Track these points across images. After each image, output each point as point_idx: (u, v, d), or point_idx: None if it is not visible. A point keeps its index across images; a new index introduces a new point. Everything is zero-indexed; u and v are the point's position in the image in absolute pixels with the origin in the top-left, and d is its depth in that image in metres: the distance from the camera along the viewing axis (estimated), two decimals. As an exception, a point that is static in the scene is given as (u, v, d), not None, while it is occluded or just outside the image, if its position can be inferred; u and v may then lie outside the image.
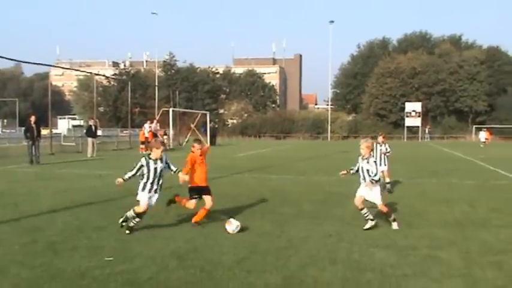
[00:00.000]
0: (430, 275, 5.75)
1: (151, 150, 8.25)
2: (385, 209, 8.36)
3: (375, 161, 8.40)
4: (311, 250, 6.88)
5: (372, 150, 8.67)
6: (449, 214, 9.85)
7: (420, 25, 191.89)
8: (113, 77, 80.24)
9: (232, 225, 7.88)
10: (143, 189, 8.00)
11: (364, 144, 8.40)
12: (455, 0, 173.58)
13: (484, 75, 76.45)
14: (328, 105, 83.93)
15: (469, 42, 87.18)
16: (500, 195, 12.63)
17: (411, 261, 6.32)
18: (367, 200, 8.37)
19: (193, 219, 8.44)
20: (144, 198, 7.93)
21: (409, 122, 74.75)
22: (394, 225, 8.30)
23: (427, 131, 73.68)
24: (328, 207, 10.56)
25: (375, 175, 8.22)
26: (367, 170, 8.29)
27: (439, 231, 8.19)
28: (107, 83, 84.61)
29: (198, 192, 8.62)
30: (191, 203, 8.61)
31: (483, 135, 50.52)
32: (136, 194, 8.08)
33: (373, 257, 6.51)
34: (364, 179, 8.35)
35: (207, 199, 8.52)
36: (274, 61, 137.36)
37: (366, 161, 8.36)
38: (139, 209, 7.89)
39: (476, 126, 70.21)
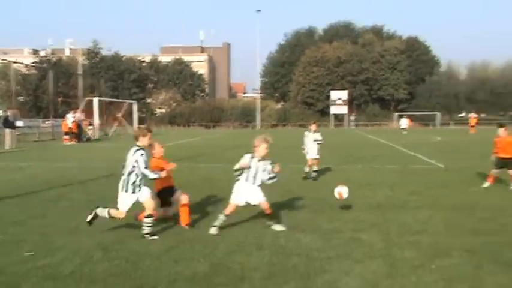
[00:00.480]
0: (353, 257, 5.95)
1: (136, 140, 7.07)
2: (269, 210, 7.39)
3: (270, 164, 7.39)
4: (238, 237, 6.93)
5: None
6: (372, 198, 10.22)
7: (344, 15, 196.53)
8: (32, 64, 76.59)
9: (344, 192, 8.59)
10: (133, 190, 6.89)
11: (264, 143, 7.28)
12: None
13: (404, 64, 79.81)
14: (257, 94, 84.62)
15: (390, 32, 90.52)
16: (419, 178, 13.24)
17: (335, 244, 6.52)
18: (252, 204, 7.40)
19: (183, 224, 7.51)
20: (129, 202, 6.92)
21: (335, 110, 76.75)
22: (278, 227, 7.33)
23: (352, 119, 76.06)
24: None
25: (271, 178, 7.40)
26: (257, 172, 7.28)
27: (362, 214, 8.48)
28: (27, 71, 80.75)
29: (168, 194, 7.68)
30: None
31: (404, 122, 52.75)
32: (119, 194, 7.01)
33: (299, 242, 6.65)
34: (248, 178, 7.29)
35: (180, 196, 7.69)
36: (203, 49, 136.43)
37: (261, 162, 7.30)
38: (118, 214, 7.04)
39: (398, 113, 73.22)
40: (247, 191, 7.31)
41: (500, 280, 5.12)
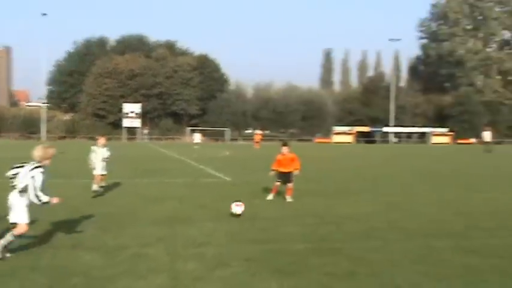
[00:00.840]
0: (137, 273, 5.87)
1: None
2: (22, 232, 6.51)
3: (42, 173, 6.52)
4: (11, 260, 6.29)
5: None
6: (160, 212, 10.24)
7: (137, 28, 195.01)
8: None
9: (238, 208, 9.52)
10: None
11: (50, 151, 6.78)
12: (170, 8, 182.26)
13: (196, 80, 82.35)
14: (42, 103, 78.90)
15: (183, 48, 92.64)
16: (207, 192, 13.70)
17: (119, 261, 6.35)
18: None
19: None
20: None
21: (128, 123, 75.61)
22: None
23: (146, 132, 75.81)
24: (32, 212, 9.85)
25: (40, 199, 6.41)
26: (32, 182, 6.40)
27: (149, 228, 8.44)
28: None
29: None
30: None
31: (197, 136, 54.38)
32: None
33: (79, 260, 6.32)
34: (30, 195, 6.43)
35: None
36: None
37: (40, 170, 6.52)
38: None
39: (191, 128, 75.17)
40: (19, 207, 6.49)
41: (271, 285, 5.53)
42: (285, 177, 12.21)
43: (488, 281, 5.78)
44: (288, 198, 12.00)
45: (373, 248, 7.28)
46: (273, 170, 12.38)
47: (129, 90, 78.84)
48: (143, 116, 77.02)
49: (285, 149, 12.31)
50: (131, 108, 75.82)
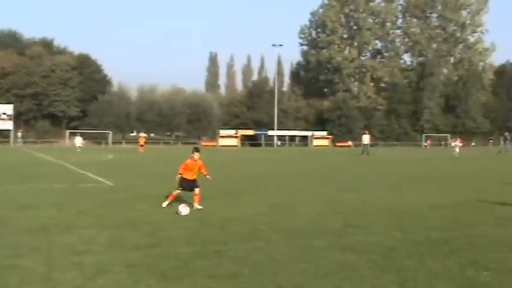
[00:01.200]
0: (9, 285, 5.48)
1: None
2: None
3: None
4: None
5: None
6: (35, 220, 9.64)
7: (9, 23, 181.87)
8: None
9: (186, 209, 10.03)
10: None
11: None
12: (46, 3, 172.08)
13: (76, 81, 78.73)
14: None
15: (61, 47, 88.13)
16: (88, 197, 13.15)
17: (-13, 275, 5.87)
18: None
19: None
20: None
21: (-1, 125, 70.33)
22: None
23: (19, 135, 70.98)
24: None
25: None
26: None
27: (22, 238, 7.90)
28: None
29: None
30: None
31: (79, 140, 51.58)
32: None
33: None
34: None
35: None
36: None
37: None
38: None
39: (70, 131, 71.66)
40: None
41: (156, 291, 5.45)
42: (189, 185, 11.39)
43: (364, 275, 6.13)
44: (197, 206, 11.21)
45: (256, 248, 7.43)
46: (180, 174, 11.44)
47: (0, 89, 73.40)
48: (17, 117, 71.99)
49: (196, 155, 11.48)
50: (2, 109, 70.52)
